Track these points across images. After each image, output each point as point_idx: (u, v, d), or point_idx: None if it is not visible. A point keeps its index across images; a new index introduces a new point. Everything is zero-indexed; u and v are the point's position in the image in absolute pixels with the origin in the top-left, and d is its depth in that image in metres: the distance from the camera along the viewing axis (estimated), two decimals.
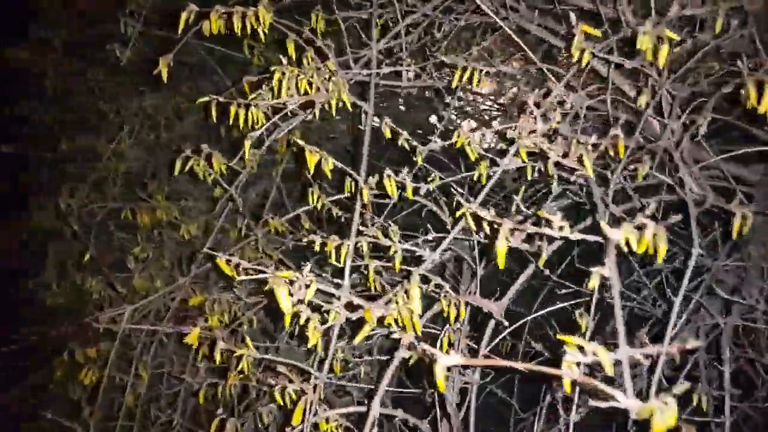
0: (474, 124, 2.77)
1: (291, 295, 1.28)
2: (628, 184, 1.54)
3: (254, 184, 3.03)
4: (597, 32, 1.32)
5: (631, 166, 1.43)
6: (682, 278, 1.28)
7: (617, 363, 0.74)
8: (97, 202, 3.11)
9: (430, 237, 1.70)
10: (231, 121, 1.70)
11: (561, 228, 1.10)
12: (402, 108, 3.06)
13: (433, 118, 3.00)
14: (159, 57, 1.85)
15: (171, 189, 3.02)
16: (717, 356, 1.72)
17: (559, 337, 1.06)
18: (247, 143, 1.59)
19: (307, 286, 1.31)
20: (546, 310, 1.85)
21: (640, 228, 1.06)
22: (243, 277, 1.64)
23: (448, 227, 1.72)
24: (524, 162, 1.47)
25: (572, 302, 1.85)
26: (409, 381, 2.25)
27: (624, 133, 1.65)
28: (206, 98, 1.86)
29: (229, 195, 2.14)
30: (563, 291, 1.96)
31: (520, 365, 0.85)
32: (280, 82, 1.61)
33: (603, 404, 0.72)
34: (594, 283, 0.92)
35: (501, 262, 1.06)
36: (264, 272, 1.58)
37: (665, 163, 1.61)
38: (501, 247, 1.05)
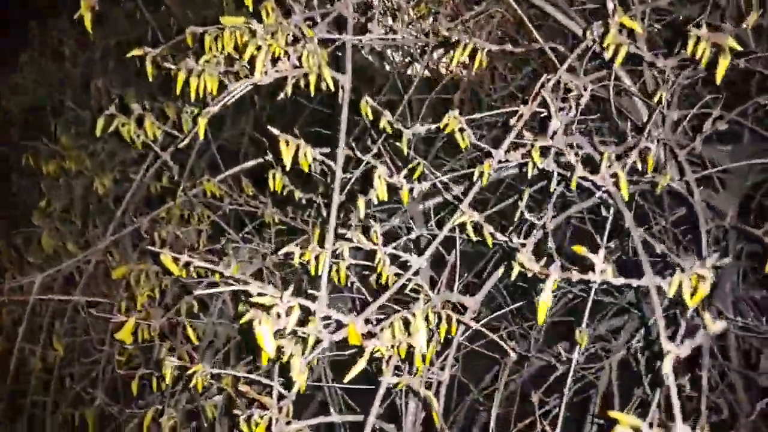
0: None
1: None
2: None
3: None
4: (636, 25, 1.13)
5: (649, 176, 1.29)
6: None
7: None
8: None
9: (413, 236, 1.51)
10: (177, 90, 1.40)
11: (603, 272, 0.96)
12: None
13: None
14: None
15: (79, 130, 2.62)
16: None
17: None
18: (202, 122, 1.31)
19: (289, 313, 1.10)
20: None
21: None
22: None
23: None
24: (531, 160, 1.30)
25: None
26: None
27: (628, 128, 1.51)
28: (138, 50, 1.54)
29: (162, 161, 1.83)
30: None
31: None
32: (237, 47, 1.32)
33: None
34: (667, 367, 0.78)
35: (542, 318, 0.91)
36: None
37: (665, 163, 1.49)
38: (545, 301, 0.89)
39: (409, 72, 2.74)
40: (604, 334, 1.92)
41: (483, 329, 1.43)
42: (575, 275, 0.92)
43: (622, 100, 1.75)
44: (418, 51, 2.18)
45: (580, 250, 0.99)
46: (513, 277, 1.09)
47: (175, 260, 1.39)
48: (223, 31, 1.46)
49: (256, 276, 2.04)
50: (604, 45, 1.16)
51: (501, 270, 1.62)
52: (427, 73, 2.35)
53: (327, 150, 1.48)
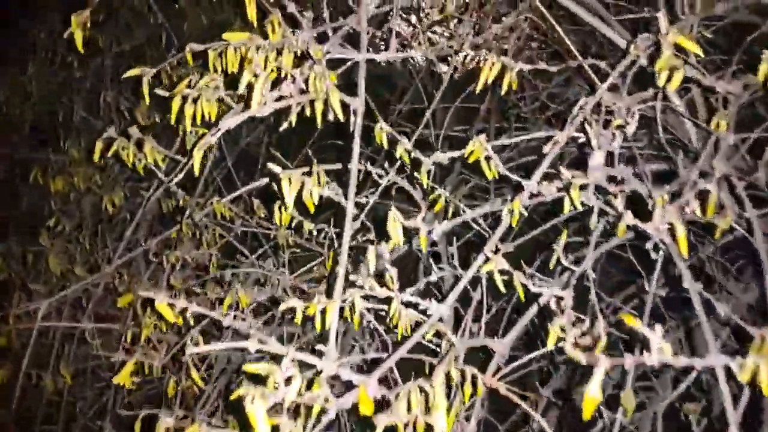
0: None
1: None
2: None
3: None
4: (695, 47, 0.96)
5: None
6: None
7: None
8: None
9: (433, 277, 1.35)
10: (173, 117, 1.26)
11: (661, 350, 0.79)
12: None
13: None
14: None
15: (90, 143, 2.52)
16: None
17: None
18: (197, 155, 1.17)
19: (288, 382, 0.96)
20: None
21: None
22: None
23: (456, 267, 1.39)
24: (568, 196, 1.13)
25: None
26: None
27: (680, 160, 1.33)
28: (136, 71, 1.41)
29: (165, 187, 1.70)
30: None
31: None
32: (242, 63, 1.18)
33: None
34: None
35: (588, 414, 0.75)
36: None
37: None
38: (594, 397, 0.73)
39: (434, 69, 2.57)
40: (646, 372, 1.75)
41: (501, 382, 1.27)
42: (628, 361, 0.76)
43: (668, 117, 1.57)
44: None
45: (632, 322, 0.83)
46: (549, 347, 0.94)
47: (171, 306, 1.27)
48: (227, 48, 1.34)
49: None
50: (657, 69, 0.98)
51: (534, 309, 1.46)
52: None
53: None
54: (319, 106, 1.15)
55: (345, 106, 1.22)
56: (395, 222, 1.09)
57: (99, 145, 1.60)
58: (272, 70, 1.12)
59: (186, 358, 1.72)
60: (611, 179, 1.09)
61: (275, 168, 1.07)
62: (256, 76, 1.07)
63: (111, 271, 2.19)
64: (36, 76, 2.51)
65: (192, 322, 1.90)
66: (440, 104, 2.40)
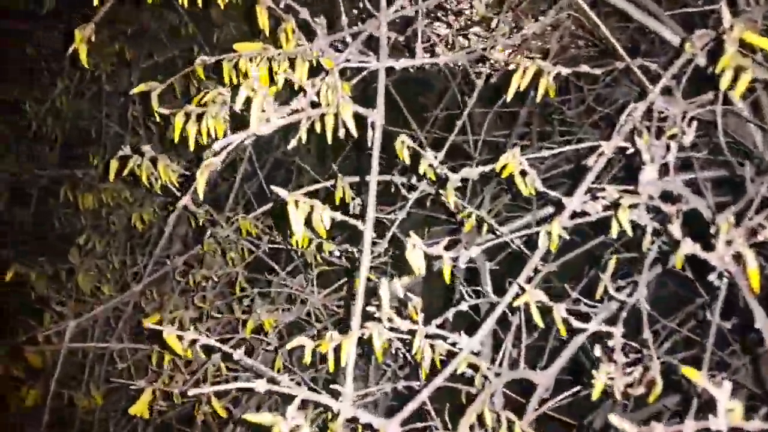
0: None
1: None
2: None
3: None
4: (765, 43, 0.81)
5: None
6: None
7: None
8: (30, 172, 2.57)
9: (464, 306, 1.23)
10: (175, 136, 1.18)
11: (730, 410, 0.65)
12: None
13: None
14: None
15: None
16: None
17: None
18: (201, 179, 1.07)
19: None
20: None
21: None
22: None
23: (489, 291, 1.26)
24: (615, 217, 0.99)
25: None
26: None
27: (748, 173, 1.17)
28: (143, 86, 1.33)
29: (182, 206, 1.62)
30: None
31: None
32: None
33: None
34: None
35: None
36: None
37: None
38: None
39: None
40: None
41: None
42: (689, 428, 0.62)
43: (728, 120, 1.40)
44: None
45: (694, 375, 0.69)
46: (595, 397, 0.80)
47: (180, 338, 1.18)
48: (239, 59, 1.25)
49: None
50: (719, 69, 0.83)
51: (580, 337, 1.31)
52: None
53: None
54: (329, 121, 1.04)
55: (363, 119, 1.11)
56: (415, 249, 0.96)
57: (114, 164, 1.53)
58: (273, 85, 1.00)
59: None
60: (666, 196, 0.95)
61: (281, 191, 0.96)
62: (254, 91, 0.97)
63: (140, 290, 2.14)
64: (65, 91, 2.48)
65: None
66: (479, 108, 2.26)
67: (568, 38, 1.97)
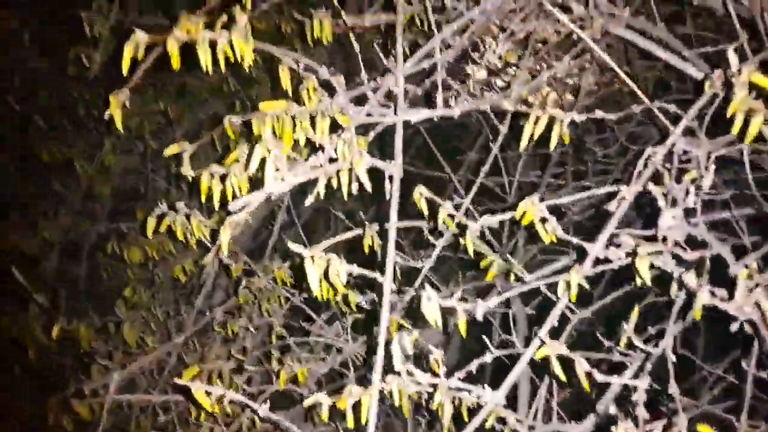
0: None
1: None
2: None
3: None
4: None
5: None
6: None
7: None
8: (81, 228, 2.69)
9: (488, 358, 1.21)
10: (203, 196, 1.22)
11: None
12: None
13: None
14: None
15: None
16: None
17: None
18: (225, 237, 1.10)
19: None
20: None
21: None
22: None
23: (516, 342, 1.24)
24: (635, 267, 0.97)
25: None
26: None
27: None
28: (175, 147, 1.39)
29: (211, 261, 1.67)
30: None
31: None
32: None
33: None
34: None
35: None
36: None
37: None
38: None
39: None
40: None
41: None
42: None
43: (763, 158, 1.36)
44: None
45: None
46: None
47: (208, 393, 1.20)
48: (265, 118, 1.29)
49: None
50: (729, 114, 0.82)
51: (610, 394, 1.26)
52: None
53: None
54: (344, 177, 1.06)
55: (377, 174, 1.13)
56: (430, 302, 0.96)
57: (151, 221, 1.59)
58: (286, 146, 1.03)
59: None
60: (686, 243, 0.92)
61: (298, 248, 0.98)
62: (268, 151, 1.00)
63: (182, 341, 2.19)
64: (113, 150, 2.60)
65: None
66: (513, 151, 2.25)
67: (600, 75, 1.95)
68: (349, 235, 1.78)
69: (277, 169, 1.01)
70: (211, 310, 2.15)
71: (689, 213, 1.02)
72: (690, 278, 0.81)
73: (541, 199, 1.13)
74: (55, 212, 2.78)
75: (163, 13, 2.69)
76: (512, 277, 1.45)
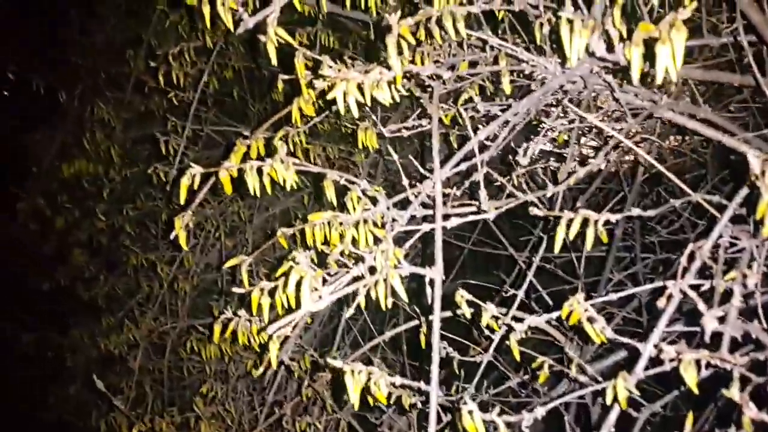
0: None
1: None
2: None
3: None
4: None
5: None
6: None
7: None
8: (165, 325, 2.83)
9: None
10: (253, 308, 1.28)
11: None
12: None
13: None
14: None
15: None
16: None
17: None
18: (273, 349, 1.15)
19: None
20: None
21: None
22: None
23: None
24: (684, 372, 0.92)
25: None
26: None
27: None
28: (234, 260, 1.47)
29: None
30: None
31: None
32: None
33: None
34: None
35: None
36: None
37: None
38: None
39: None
40: None
41: None
42: None
43: None
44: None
45: None
46: None
47: None
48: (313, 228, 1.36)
49: None
50: (758, 217, 0.79)
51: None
52: None
53: None
54: (381, 287, 1.08)
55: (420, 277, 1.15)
56: (471, 416, 0.95)
57: (217, 327, 1.66)
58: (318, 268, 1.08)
59: None
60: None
61: (336, 363, 1.01)
62: (304, 274, 1.04)
63: None
64: (191, 251, 2.77)
65: None
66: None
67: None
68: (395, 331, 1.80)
69: (315, 289, 1.04)
70: (281, 406, 2.18)
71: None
72: (734, 392, 0.76)
73: (587, 297, 1.12)
74: (141, 312, 2.95)
75: (238, 121, 2.90)
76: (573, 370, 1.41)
